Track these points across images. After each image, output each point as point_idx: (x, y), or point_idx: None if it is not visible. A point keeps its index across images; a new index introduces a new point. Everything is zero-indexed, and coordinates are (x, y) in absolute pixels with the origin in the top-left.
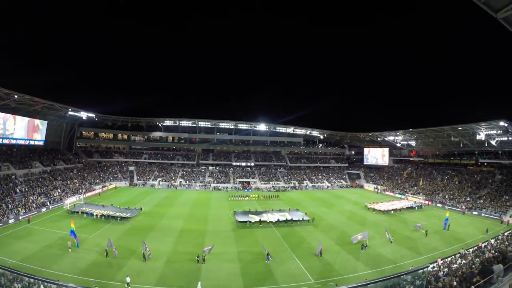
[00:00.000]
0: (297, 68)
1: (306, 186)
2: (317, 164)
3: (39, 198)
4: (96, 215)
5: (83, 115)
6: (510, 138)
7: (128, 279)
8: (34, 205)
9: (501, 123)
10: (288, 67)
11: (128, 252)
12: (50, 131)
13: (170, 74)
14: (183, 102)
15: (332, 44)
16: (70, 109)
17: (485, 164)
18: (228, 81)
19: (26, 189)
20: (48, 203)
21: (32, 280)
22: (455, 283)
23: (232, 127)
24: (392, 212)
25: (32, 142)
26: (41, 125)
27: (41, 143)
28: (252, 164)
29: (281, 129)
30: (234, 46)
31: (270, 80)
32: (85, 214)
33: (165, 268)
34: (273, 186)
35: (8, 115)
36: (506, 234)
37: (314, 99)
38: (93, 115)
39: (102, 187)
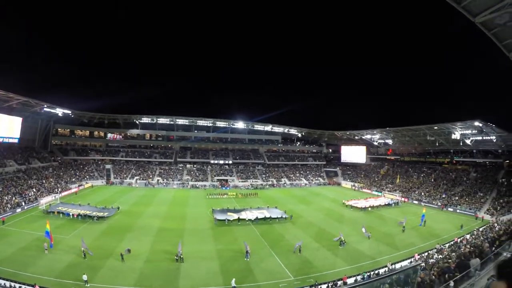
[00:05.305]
0: (281, 75)
1: (284, 183)
2: (295, 162)
3: (14, 198)
4: (73, 215)
5: (59, 111)
6: (484, 138)
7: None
8: (8, 205)
9: (476, 123)
10: (271, 74)
11: (106, 253)
12: (25, 129)
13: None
14: (161, 100)
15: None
16: (45, 106)
17: (460, 162)
18: (206, 80)
19: (0, 189)
20: (23, 203)
21: (10, 284)
22: (433, 277)
23: (210, 124)
24: (370, 209)
25: (6, 140)
26: (16, 122)
27: (16, 140)
28: (230, 162)
29: (259, 127)
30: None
31: (251, 80)
32: (61, 214)
33: (144, 268)
34: (251, 184)
35: None
36: (481, 229)
37: (292, 98)
38: (69, 112)
39: (79, 186)
